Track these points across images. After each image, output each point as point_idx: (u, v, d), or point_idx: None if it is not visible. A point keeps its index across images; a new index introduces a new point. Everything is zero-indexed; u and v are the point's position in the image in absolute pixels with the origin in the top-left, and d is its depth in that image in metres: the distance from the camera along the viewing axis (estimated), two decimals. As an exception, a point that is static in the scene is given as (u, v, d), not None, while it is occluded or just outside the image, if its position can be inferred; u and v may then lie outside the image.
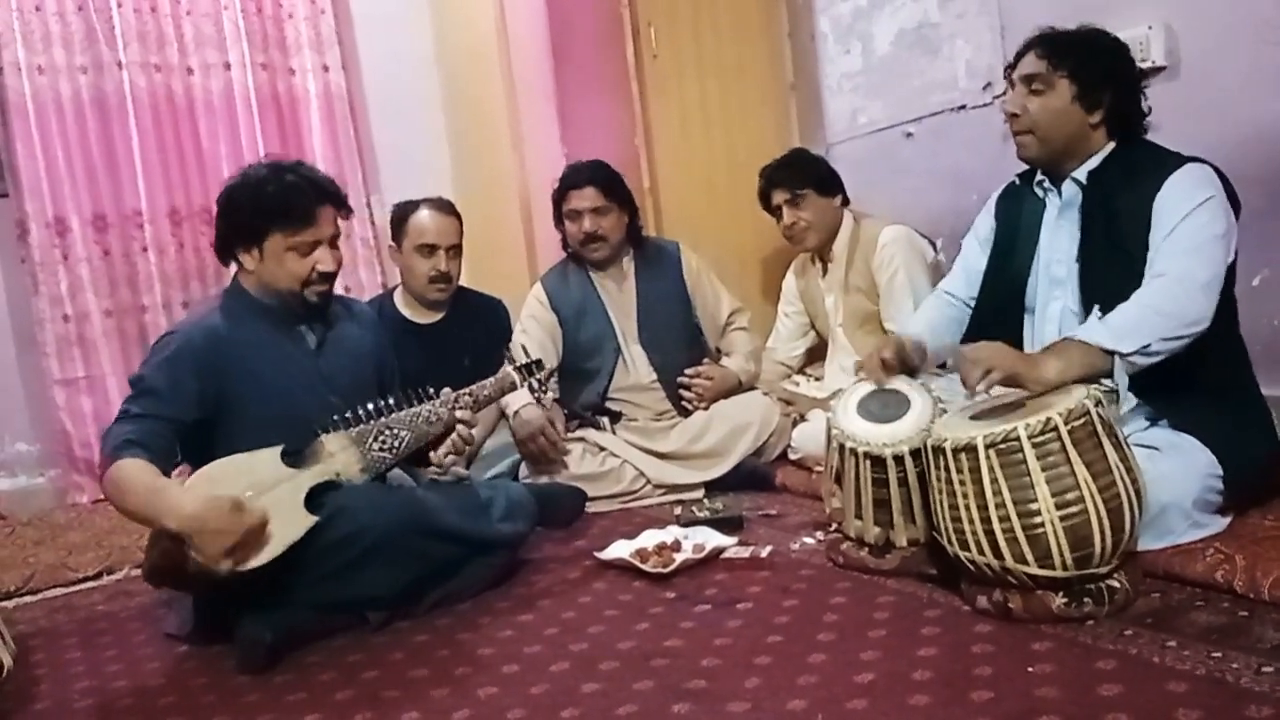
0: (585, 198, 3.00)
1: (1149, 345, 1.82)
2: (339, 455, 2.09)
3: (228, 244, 2.16)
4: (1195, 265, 1.88)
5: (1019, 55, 2.10)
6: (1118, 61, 2.05)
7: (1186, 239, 1.89)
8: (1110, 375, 1.82)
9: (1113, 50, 2.05)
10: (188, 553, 1.83)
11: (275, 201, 2.10)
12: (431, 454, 2.23)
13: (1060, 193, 2.11)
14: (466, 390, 2.26)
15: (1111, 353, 1.82)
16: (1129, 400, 1.85)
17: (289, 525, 1.93)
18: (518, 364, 2.40)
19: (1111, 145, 2.06)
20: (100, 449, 2.00)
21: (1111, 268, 1.97)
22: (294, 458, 2.05)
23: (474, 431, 2.31)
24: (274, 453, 2.03)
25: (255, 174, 2.15)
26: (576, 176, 3.04)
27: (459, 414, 2.20)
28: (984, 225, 2.31)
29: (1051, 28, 2.08)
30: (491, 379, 2.33)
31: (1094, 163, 2.06)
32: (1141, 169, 1.99)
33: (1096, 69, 2.01)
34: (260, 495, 1.94)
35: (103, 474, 1.94)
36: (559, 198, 3.06)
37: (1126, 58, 2.07)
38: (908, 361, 2.14)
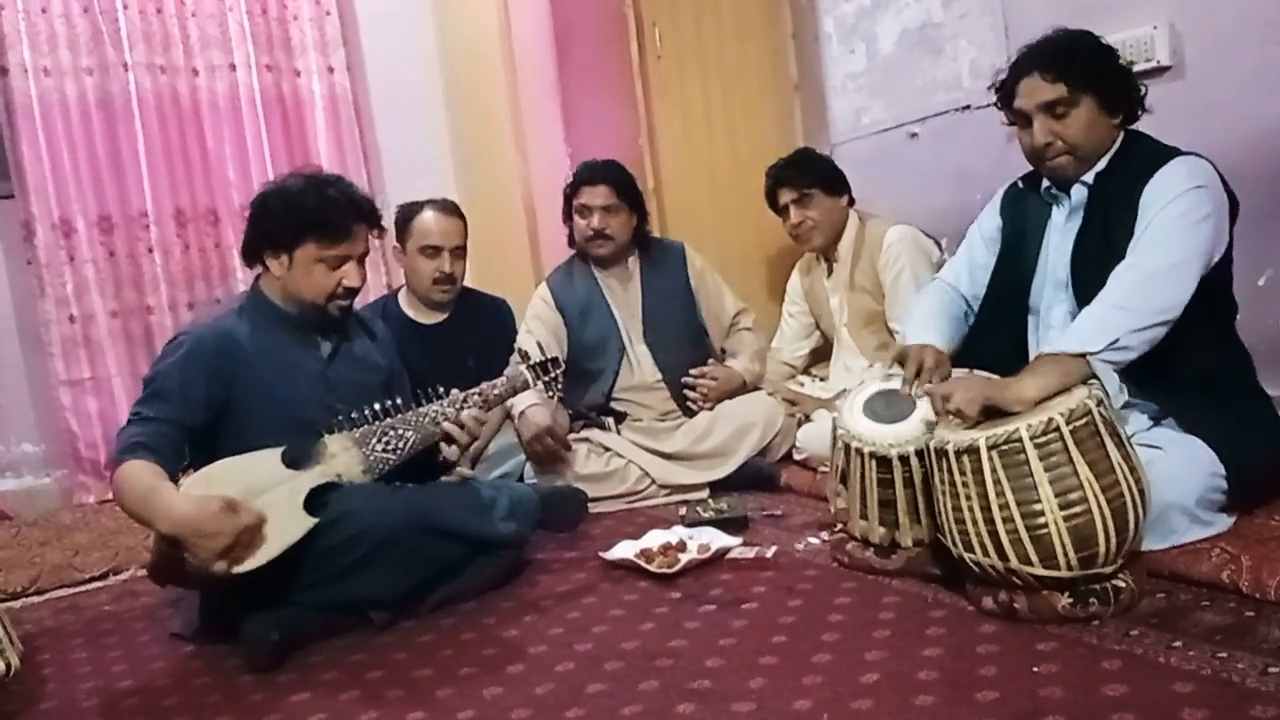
0: (598, 195, 3.01)
1: (1117, 340, 1.81)
2: (340, 456, 2.08)
3: (256, 247, 2.18)
4: (1161, 252, 1.87)
5: (1015, 82, 2.04)
6: (1113, 58, 2.03)
7: (1160, 229, 1.89)
8: (1094, 378, 1.80)
9: (1104, 49, 2.03)
10: (183, 555, 1.83)
11: (313, 214, 2.11)
12: (444, 448, 2.23)
13: (1070, 196, 2.10)
14: (476, 390, 2.24)
15: (1084, 355, 1.81)
16: (1123, 395, 1.84)
17: (287, 527, 1.93)
18: (532, 361, 2.36)
19: (1119, 141, 2.05)
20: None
21: (1103, 268, 1.95)
22: (294, 459, 2.04)
23: (481, 428, 2.30)
24: (274, 454, 2.03)
25: (294, 184, 2.16)
26: (591, 173, 3.05)
27: (468, 414, 2.20)
28: (990, 222, 2.30)
29: (1039, 47, 2.03)
30: (503, 378, 2.30)
31: (1101, 164, 2.05)
32: (1137, 167, 1.98)
33: (1107, 73, 2.00)
34: (258, 497, 1.93)
35: (112, 476, 1.95)
36: (571, 192, 3.08)
37: (1112, 51, 2.05)
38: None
